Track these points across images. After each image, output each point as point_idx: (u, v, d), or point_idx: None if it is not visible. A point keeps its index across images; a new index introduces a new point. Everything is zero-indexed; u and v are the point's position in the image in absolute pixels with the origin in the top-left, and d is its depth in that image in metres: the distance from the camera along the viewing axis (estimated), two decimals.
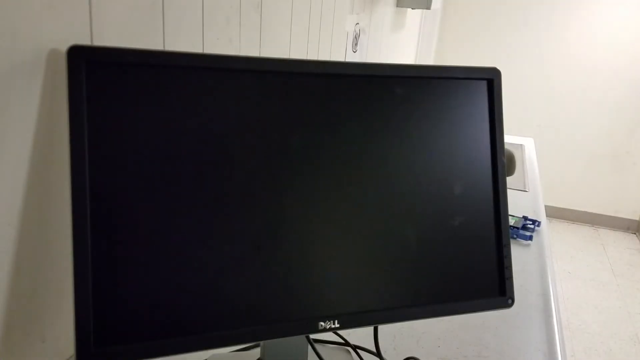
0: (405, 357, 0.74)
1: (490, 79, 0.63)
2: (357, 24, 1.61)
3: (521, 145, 2.02)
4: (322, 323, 0.57)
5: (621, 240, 3.64)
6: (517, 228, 1.18)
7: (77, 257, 0.47)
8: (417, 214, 0.60)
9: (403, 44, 2.59)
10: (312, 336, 0.73)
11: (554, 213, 3.95)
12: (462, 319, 0.85)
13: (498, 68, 0.63)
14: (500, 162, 0.64)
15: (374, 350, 0.74)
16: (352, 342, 0.77)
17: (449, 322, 0.84)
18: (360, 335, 0.78)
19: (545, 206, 3.89)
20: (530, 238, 1.15)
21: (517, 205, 1.40)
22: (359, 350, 0.74)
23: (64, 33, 0.52)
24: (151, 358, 0.50)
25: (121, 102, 0.48)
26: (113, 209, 0.48)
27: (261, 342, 0.65)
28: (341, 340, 0.76)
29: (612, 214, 3.81)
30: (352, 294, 0.58)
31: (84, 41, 0.55)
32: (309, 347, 0.70)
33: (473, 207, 0.63)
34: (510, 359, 0.76)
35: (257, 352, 0.72)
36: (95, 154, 0.47)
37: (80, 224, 0.47)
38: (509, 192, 1.49)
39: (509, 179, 1.61)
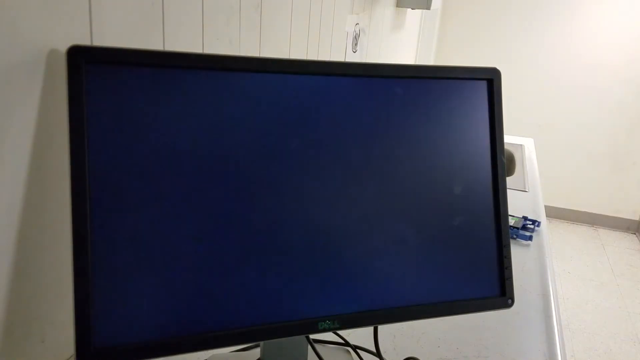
0: (405, 357, 0.74)
1: (490, 79, 0.63)
2: (357, 24, 1.61)
3: (521, 145, 2.02)
4: (322, 323, 0.57)
5: (621, 240, 3.64)
6: (517, 228, 1.18)
7: (77, 257, 0.47)
8: (416, 214, 0.60)
9: (403, 44, 2.59)
10: (312, 336, 0.73)
11: (553, 213, 3.95)
12: (462, 319, 0.85)
13: (498, 68, 0.63)
14: (500, 162, 0.64)
15: (374, 350, 0.74)
16: (352, 342, 0.77)
17: (449, 322, 0.84)
18: (360, 335, 0.78)
19: (545, 206, 3.89)
20: (530, 238, 1.15)
21: (517, 205, 1.40)
22: (359, 350, 0.74)
23: (64, 33, 0.52)
24: (151, 358, 0.50)
25: (121, 102, 0.48)
26: (112, 209, 0.48)
27: (261, 342, 0.65)
28: (341, 340, 0.76)
29: (612, 214, 3.81)
30: (352, 294, 0.58)
31: (84, 41, 0.55)
32: (309, 347, 0.70)
33: (473, 207, 0.63)
34: (510, 359, 0.76)
35: (257, 352, 0.72)
36: (95, 153, 0.47)
37: (80, 223, 0.47)
38: (509, 192, 1.49)
39: (509, 179, 1.61)
